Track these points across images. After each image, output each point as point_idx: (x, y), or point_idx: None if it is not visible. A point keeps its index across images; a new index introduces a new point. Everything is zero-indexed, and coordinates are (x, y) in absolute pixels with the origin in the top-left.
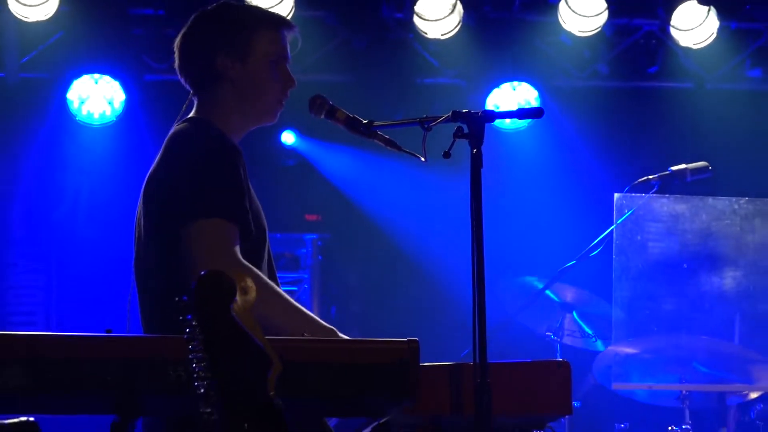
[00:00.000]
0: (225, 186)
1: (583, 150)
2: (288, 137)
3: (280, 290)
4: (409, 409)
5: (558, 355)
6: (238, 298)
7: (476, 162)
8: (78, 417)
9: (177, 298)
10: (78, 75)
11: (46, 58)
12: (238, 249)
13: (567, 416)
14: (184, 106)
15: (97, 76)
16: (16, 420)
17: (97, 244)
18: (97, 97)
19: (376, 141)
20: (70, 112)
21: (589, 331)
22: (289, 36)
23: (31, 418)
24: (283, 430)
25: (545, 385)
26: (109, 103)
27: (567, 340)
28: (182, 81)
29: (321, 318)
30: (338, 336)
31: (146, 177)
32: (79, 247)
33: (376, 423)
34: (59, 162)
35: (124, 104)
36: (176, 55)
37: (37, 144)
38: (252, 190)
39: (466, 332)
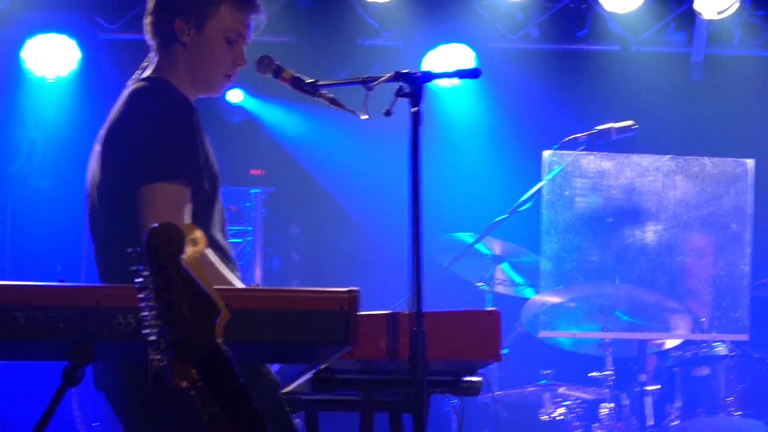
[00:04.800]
0: (179, 147)
1: (515, 110)
2: (235, 95)
3: (211, 257)
4: (348, 355)
5: (489, 304)
6: (187, 248)
7: (416, 120)
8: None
9: (130, 249)
10: (31, 34)
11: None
12: (188, 211)
13: (496, 362)
14: (144, 63)
15: (52, 35)
16: None
17: (51, 196)
18: (51, 56)
19: (320, 99)
20: (24, 70)
21: (520, 280)
22: (255, 18)
23: None
24: (230, 375)
25: (476, 333)
26: (64, 61)
27: (499, 289)
28: (146, 37)
29: (264, 269)
30: None
31: (103, 133)
32: (34, 199)
33: (316, 369)
34: (14, 117)
35: (80, 63)
36: (147, 10)
37: None
38: (208, 144)
39: (402, 282)
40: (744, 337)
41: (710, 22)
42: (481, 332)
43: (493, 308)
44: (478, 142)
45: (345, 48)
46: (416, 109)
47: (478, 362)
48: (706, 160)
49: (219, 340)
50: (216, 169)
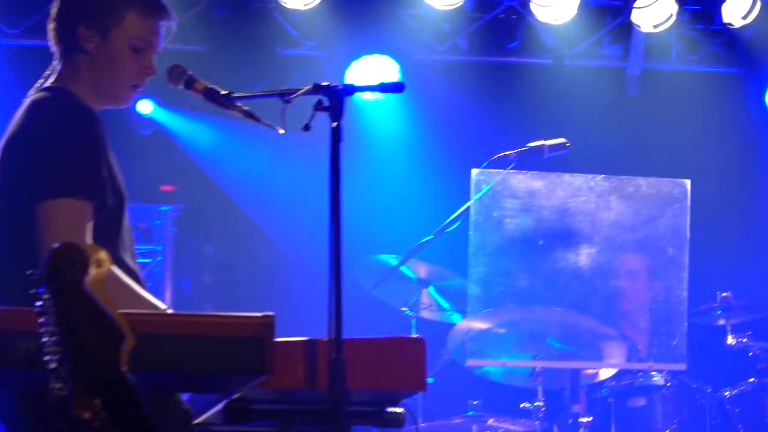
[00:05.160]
0: (81, 161)
1: (443, 125)
2: (145, 106)
3: (118, 273)
4: (264, 384)
5: (414, 330)
6: (91, 270)
7: (335, 136)
8: None
9: (29, 272)
10: None
11: None
12: (90, 228)
13: (421, 392)
14: (47, 71)
15: None
16: None
17: None
18: None
19: (234, 113)
20: None
21: (446, 305)
22: (165, 25)
23: None
24: (135, 405)
25: (400, 361)
26: None
27: (424, 314)
28: (50, 44)
29: (174, 291)
30: None
31: (1, 146)
32: None
33: (228, 398)
34: None
35: None
36: (50, 15)
37: None
38: (112, 158)
39: (321, 308)
40: (681, 367)
41: (647, 35)
42: (405, 360)
43: (417, 335)
44: (403, 159)
45: (263, 57)
46: (336, 124)
47: (402, 392)
48: (642, 180)
49: (124, 368)
50: (121, 183)
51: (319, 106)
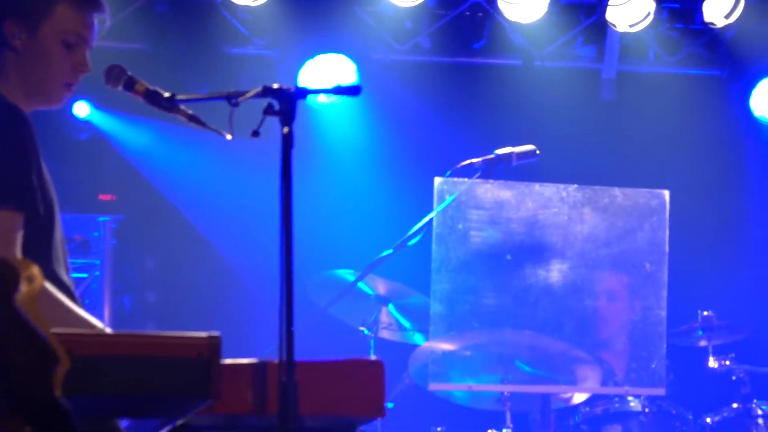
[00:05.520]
0: (8, 167)
1: (403, 130)
2: (81, 109)
3: (51, 289)
4: (209, 409)
5: (372, 351)
6: (22, 286)
7: (287, 142)
8: None
9: None
10: None
11: None
12: (20, 240)
13: (380, 418)
14: None
15: None
16: None
17: None
18: None
19: (178, 116)
20: None
21: (407, 324)
22: (98, 18)
23: None
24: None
25: (357, 384)
26: None
27: (384, 334)
28: None
29: (114, 309)
30: None
31: None
32: None
33: (171, 424)
34: None
35: None
36: None
37: None
38: (43, 165)
39: (272, 327)
40: (660, 392)
41: (623, 35)
42: (362, 384)
43: (376, 357)
44: (361, 167)
45: (209, 57)
46: (288, 129)
47: (358, 418)
48: (618, 190)
49: (57, 392)
50: (52, 192)
51: (269, 110)
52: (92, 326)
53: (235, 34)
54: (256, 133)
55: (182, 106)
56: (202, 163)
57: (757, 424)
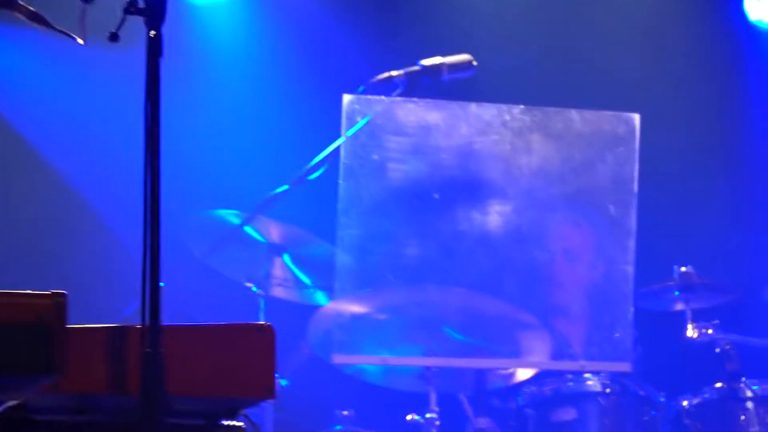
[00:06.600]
0: None
1: (305, 37)
2: None
3: None
4: (53, 387)
5: (262, 315)
6: None
7: (154, 49)
8: None
9: None
10: None
11: None
12: None
13: (270, 400)
14: None
15: None
16: None
17: None
18: None
19: (17, 15)
20: None
21: (307, 280)
22: None
23: None
24: None
25: (241, 356)
26: None
27: (276, 292)
28: None
29: None
30: None
31: None
32: None
33: (5, 406)
34: None
35: None
36: None
37: None
38: None
39: (134, 283)
40: (625, 367)
41: None
42: (248, 356)
43: (265, 321)
44: (249, 83)
45: None
46: (155, 33)
47: (243, 399)
48: (575, 113)
49: None
50: None
51: (131, 8)
52: None
53: None
54: (114, 37)
55: (22, 2)
56: (49, 76)
57: (745, 408)
